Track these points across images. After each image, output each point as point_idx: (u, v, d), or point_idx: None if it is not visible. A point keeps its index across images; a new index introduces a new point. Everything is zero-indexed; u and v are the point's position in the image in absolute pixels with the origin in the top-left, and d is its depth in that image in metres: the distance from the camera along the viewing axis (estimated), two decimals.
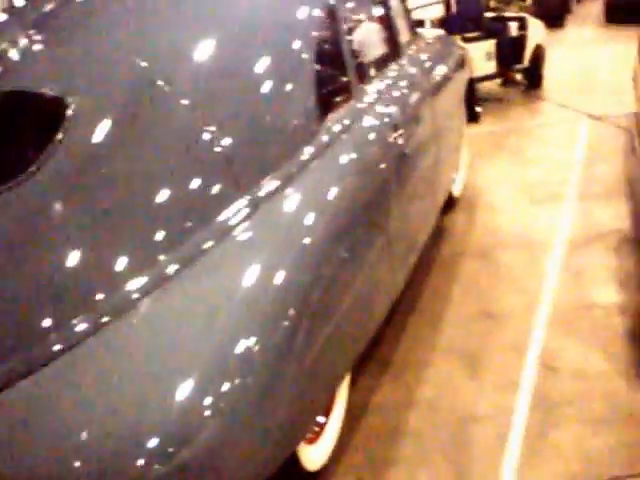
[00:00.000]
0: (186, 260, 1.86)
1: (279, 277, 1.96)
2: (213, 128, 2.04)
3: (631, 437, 2.68)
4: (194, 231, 1.92)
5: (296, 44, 2.52)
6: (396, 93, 3.30)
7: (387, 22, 3.63)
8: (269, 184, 2.16)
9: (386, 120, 2.98)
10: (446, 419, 2.88)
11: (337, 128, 2.62)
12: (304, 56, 2.51)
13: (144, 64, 2.03)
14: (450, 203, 4.79)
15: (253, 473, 1.80)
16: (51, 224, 1.80)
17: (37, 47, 2.17)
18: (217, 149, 2.03)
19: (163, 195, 1.92)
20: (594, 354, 3.20)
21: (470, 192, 5.24)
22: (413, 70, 3.70)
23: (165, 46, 2.14)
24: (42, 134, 1.89)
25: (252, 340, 1.78)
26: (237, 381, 1.71)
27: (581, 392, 2.95)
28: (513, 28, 7.94)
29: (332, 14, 2.79)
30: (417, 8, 7.19)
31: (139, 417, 1.56)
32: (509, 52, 7.68)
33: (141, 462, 1.51)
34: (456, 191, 4.96)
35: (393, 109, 3.13)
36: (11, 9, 2.47)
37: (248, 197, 2.08)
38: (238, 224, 2.01)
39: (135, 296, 1.75)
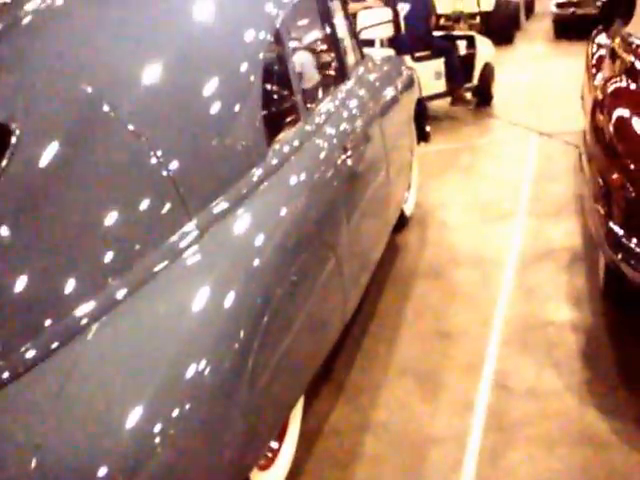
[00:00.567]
0: (135, 284, 1.83)
1: (229, 299, 1.94)
2: (160, 152, 2.01)
3: (585, 457, 2.69)
4: (143, 255, 1.89)
5: (242, 67, 2.50)
6: (345, 114, 3.29)
7: (334, 44, 3.63)
8: (218, 206, 2.14)
9: (335, 141, 2.97)
10: (402, 442, 2.86)
11: (286, 150, 2.60)
12: (251, 79, 2.49)
13: (89, 89, 1.99)
14: (402, 222, 4.79)
15: None
16: None
17: None
18: (164, 173, 2.00)
19: (110, 220, 1.89)
20: (547, 372, 3.20)
21: (422, 210, 5.26)
22: (361, 91, 3.70)
23: (111, 71, 2.10)
24: None
25: (202, 364, 1.76)
26: (187, 406, 1.68)
27: (535, 412, 2.95)
28: (462, 47, 8.03)
29: (278, 37, 2.78)
30: (366, 28, 7.21)
31: (88, 445, 1.52)
32: (458, 71, 7.75)
33: None
34: (408, 210, 4.97)
35: (342, 130, 3.12)
36: None
37: (197, 220, 2.06)
38: (188, 247, 1.99)
39: (84, 321, 1.72)
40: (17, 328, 1.66)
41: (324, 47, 3.72)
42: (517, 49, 12.78)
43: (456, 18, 9.38)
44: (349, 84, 3.60)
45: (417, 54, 7.53)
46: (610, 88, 3.77)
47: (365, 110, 3.58)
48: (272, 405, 2.17)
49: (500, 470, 2.67)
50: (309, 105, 3.03)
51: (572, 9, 13.60)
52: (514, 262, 4.37)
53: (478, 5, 9.15)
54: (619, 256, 2.92)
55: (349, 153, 3.02)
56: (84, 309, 1.72)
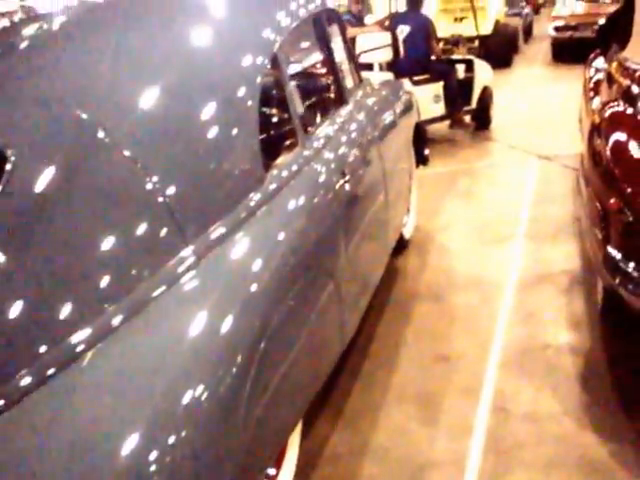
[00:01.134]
0: (131, 311, 1.82)
1: (226, 325, 1.93)
2: (156, 178, 2.01)
3: None
4: (139, 281, 1.89)
5: (240, 92, 2.51)
6: (343, 139, 3.30)
7: (333, 68, 3.66)
8: (216, 232, 2.14)
9: (333, 166, 2.98)
10: (401, 466, 2.85)
11: (284, 175, 2.61)
12: (248, 104, 2.50)
13: (84, 115, 2.00)
14: (402, 245, 4.80)
15: None
16: None
17: None
18: (160, 198, 2.00)
19: (106, 246, 1.88)
20: (546, 396, 3.20)
21: (421, 234, 5.27)
22: (360, 115, 3.72)
23: (106, 96, 2.11)
24: None
25: (199, 390, 1.74)
26: (184, 433, 1.66)
27: (533, 435, 2.95)
28: (460, 70, 8.08)
29: (276, 62, 2.79)
30: (365, 52, 7.28)
31: (83, 474, 1.50)
32: (457, 94, 7.80)
33: None
34: (407, 233, 4.98)
35: (340, 155, 3.14)
36: None
37: (194, 245, 2.05)
38: (184, 273, 1.98)
39: (80, 348, 1.70)
40: (12, 355, 1.64)
41: (322, 71, 3.75)
42: (516, 72, 12.87)
43: (455, 42, 9.43)
44: (347, 108, 3.62)
45: (416, 77, 7.57)
46: (607, 112, 3.79)
47: (364, 134, 3.60)
48: (270, 431, 2.16)
49: None
50: (307, 130, 3.04)
51: (570, 32, 13.73)
52: (513, 285, 4.37)
53: (476, 29, 9.21)
54: (617, 280, 2.92)
55: (347, 178, 3.03)
56: (80, 336, 1.71)
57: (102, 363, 1.71)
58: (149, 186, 1.99)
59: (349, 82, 3.87)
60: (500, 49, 12.95)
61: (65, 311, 1.73)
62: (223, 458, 1.81)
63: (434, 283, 4.51)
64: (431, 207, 5.82)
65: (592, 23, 12.75)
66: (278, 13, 3.07)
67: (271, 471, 2.46)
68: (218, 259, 2.09)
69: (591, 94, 5.05)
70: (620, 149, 3.30)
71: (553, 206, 5.62)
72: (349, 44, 4.12)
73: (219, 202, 2.23)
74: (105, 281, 1.83)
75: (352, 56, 4.10)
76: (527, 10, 19.46)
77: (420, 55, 7.79)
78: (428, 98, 7.53)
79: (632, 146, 3.25)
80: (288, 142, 2.86)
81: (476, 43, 10.06)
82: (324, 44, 3.62)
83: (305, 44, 3.63)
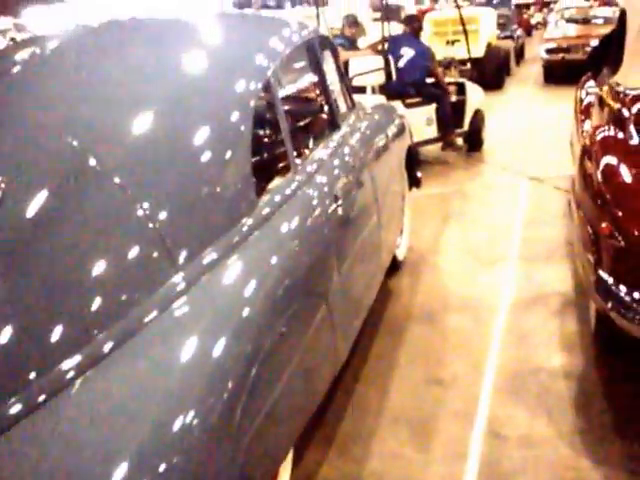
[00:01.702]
0: (122, 337, 1.82)
1: (217, 351, 1.93)
2: (146, 204, 2.01)
3: None
4: (130, 308, 1.88)
5: (232, 118, 2.52)
6: (336, 163, 3.31)
7: (325, 93, 3.67)
8: (207, 257, 2.14)
9: (326, 190, 2.99)
10: None
11: (277, 199, 2.62)
12: (241, 129, 2.50)
13: (75, 143, 2.00)
14: (395, 266, 4.81)
15: None
16: None
17: None
18: (151, 225, 2.00)
19: (96, 273, 1.88)
20: (540, 420, 3.19)
21: (414, 255, 5.27)
22: (352, 140, 3.73)
23: (97, 124, 2.11)
24: None
25: (190, 417, 1.73)
26: (175, 460, 1.65)
27: (528, 461, 2.93)
28: (452, 93, 8.13)
29: (269, 87, 2.81)
30: (358, 75, 7.32)
31: None
32: (449, 117, 7.84)
33: None
34: (400, 254, 4.99)
35: (333, 179, 3.15)
36: None
37: (185, 271, 2.05)
38: (175, 299, 1.97)
39: (70, 375, 1.69)
40: (1, 382, 1.63)
41: (315, 96, 3.77)
42: (507, 94, 12.94)
43: (447, 64, 9.50)
44: (340, 133, 3.63)
45: (408, 100, 7.61)
46: (598, 136, 3.81)
47: (356, 158, 3.61)
48: (261, 458, 2.14)
49: None
50: (300, 154, 3.05)
51: (562, 55, 13.84)
52: (506, 307, 4.37)
53: (468, 52, 9.28)
54: (609, 304, 2.93)
55: (340, 202, 3.04)
56: (70, 362, 1.70)
57: (92, 390, 1.70)
58: (140, 213, 1.99)
59: (342, 107, 3.89)
60: (492, 72, 13.04)
61: (55, 338, 1.73)
62: None
63: (427, 305, 4.51)
64: (424, 228, 5.84)
65: (584, 45, 12.91)
66: (271, 40, 3.09)
67: None
68: (209, 285, 2.09)
69: (582, 117, 5.08)
70: (611, 173, 3.32)
71: (545, 228, 5.63)
72: (342, 69, 4.14)
73: (211, 228, 2.23)
74: (96, 308, 1.83)
75: (345, 81, 4.12)
76: (519, 32, 19.62)
77: (416, 79, 7.84)
78: (420, 121, 7.56)
79: (623, 170, 3.27)
80: (281, 167, 2.87)
81: (468, 66, 10.13)
82: (317, 70, 3.64)
83: (298, 70, 3.65)
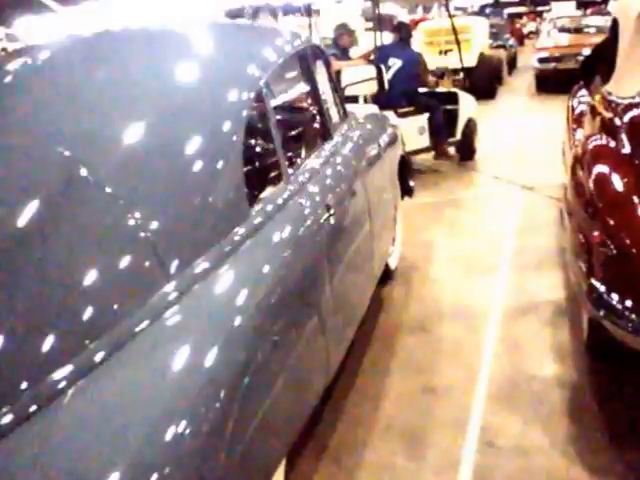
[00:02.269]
0: (114, 347, 1.81)
1: (209, 360, 1.92)
2: (138, 214, 2.01)
3: None
4: (122, 317, 1.88)
5: (225, 127, 2.52)
6: (328, 173, 3.32)
7: (318, 103, 3.68)
8: (199, 266, 2.14)
9: (318, 200, 2.99)
10: None
11: (269, 209, 2.62)
12: (233, 139, 2.51)
13: (67, 153, 2.00)
14: (387, 275, 4.81)
15: None
16: None
17: None
18: (142, 234, 2.00)
19: (88, 282, 1.88)
20: (533, 429, 3.19)
21: (407, 264, 5.27)
22: (345, 149, 3.74)
23: (89, 133, 2.11)
24: None
25: (182, 427, 1.72)
26: (167, 470, 1.64)
27: (521, 470, 2.93)
28: (445, 103, 8.15)
29: (261, 97, 2.81)
30: (351, 85, 7.33)
31: None
32: (441, 126, 7.86)
33: None
34: (392, 263, 4.99)
35: (325, 189, 3.15)
36: None
37: (177, 280, 2.05)
38: (167, 308, 1.97)
39: (61, 385, 1.69)
40: None
41: (307, 106, 3.78)
42: (500, 103, 12.99)
43: (440, 74, 9.52)
44: (332, 142, 3.64)
45: (401, 110, 7.63)
46: (590, 145, 3.83)
47: (349, 168, 3.62)
48: (253, 468, 2.13)
49: None
50: (292, 164, 3.05)
51: (554, 64, 13.90)
52: (498, 316, 4.38)
53: (461, 61, 9.31)
54: (601, 312, 2.93)
55: (332, 211, 3.04)
56: (61, 372, 1.70)
57: (84, 400, 1.69)
58: (131, 222, 1.99)
59: (334, 116, 3.90)
60: (484, 81, 13.08)
61: (47, 347, 1.72)
62: None
63: (420, 314, 4.51)
64: (416, 237, 5.84)
65: (576, 54, 12.96)
66: (263, 49, 3.10)
67: None
68: (201, 294, 2.09)
69: (574, 126, 5.10)
70: (603, 182, 3.33)
71: (537, 236, 5.65)
72: (334, 79, 4.15)
73: (203, 237, 2.23)
74: (87, 317, 1.82)
75: (337, 91, 4.12)
76: (511, 42, 19.70)
77: (408, 88, 7.86)
78: (413, 130, 7.58)
79: (615, 179, 3.28)
80: (273, 176, 2.87)
81: (461, 75, 10.16)
82: (309, 79, 3.65)
83: (290, 80, 3.66)
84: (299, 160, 3.21)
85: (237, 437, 1.96)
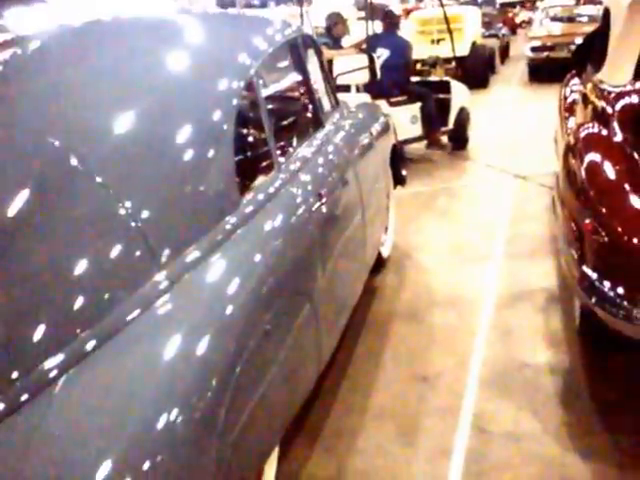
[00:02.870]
0: (105, 336, 1.81)
1: (201, 349, 1.92)
2: (129, 203, 2.00)
3: None
4: (113, 306, 1.88)
5: (215, 116, 2.52)
6: (320, 161, 3.32)
7: (309, 92, 3.68)
8: (190, 255, 2.14)
9: (309, 188, 2.99)
10: None
11: (260, 198, 2.62)
12: (224, 128, 2.50)
13: (56, 142, 1.99)
14: (379, 264, 4.81)
15: None
16: None
17: None
18: (133, 224, 1.99)
19: (78, 272, 1.87)
20: (526, 415, 3.20)
21: (399, 253, 5.28)
22: (336, 138, 3.74)
23: (78, 123, 2.10)
24: None
25: (174, 414, 1.73)
26: (158, 459, 1.64)
27: (514, 456, 2.94)
28: (438, 92, 8.15)
29: (252, 86, 2.81)
30: (343, 74, 7.32)
31: None
32: (434, 115, 7.86)
33: None
34: (385, 252, 5.00)
35: (317, 177, 3.15)
36: None
37: (169, 269, 2.04)
38: (158, 297, 1.97)
39: (52, 374, 1.69)
40: None
41: (299, 95, 3.77)
42: (492, 92, 12.98)
43: (432, 63, 9.52)
44: (324, 131, 3.63)
45: (393, 99, 7.62)
46: (582, 133, 3.83)
47: (340, 157, 3.62)
48: (245, 456, 2.13)
49: None
50: (284, 153, 3.05)
51: (546, 53, 13.90)
52: (491, 303, 4.39)
53: (453, 51, 9.30)
54: (593, 300, 2.94)
55: (324, 200, 3.04)
56: (53, 361, 1.70)
57: (75, 389, 1.69)
58: (122, 212, 1.99)
59: (326, 105, 3.90)
60: (477, 70, 13.07)
61: (38, 337, 1.72)
62: None
63: (412, 302, 4.52)
64: (409, 226, 5.85)
65: (568, 43, 12.96)
66: (254, 38, 3.09)
67: None
68: (193, 283, 2.09)
69: (566, 115, 5.10)
70: (595, 170, 3.34)
71: (530, 224, 5.66)
72: (325, 68, 4.14)
73: (194, 226, 2.23)
74: (78, 306, 1.82)
75: (329, 79, 4.12)
76: (504, 31, 19.68)
77: (398, 77, 7.85)
78: (405, 119, 7.58)
79: (606, 167, 3.29)
80: (264, 165, 2.86)
81: (453, 64, 10.15)
82: (300, 68, 3.64)
83: (281, 68, 3.65)
84: (290, 149, 3.21)
85: (229, 425, 1.96)
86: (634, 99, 3.65)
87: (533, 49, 14.21)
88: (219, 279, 2.19)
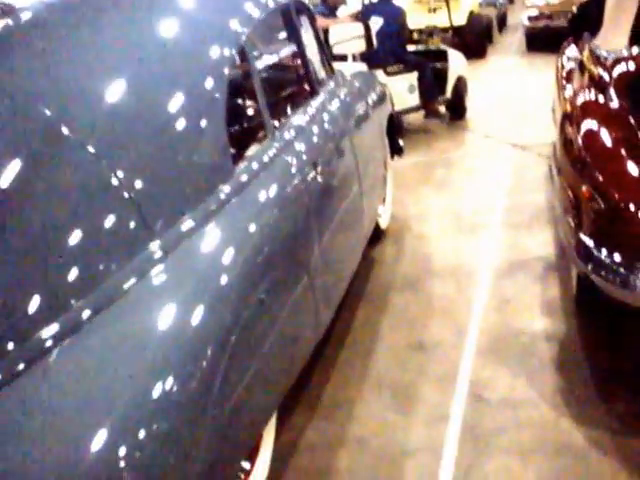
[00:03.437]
0: (99, 305, 1.82)
1: (196, 317, 1.94)
2: (121, 173, 2.00)
3: (560, 466, 2.70)
4: (107, 276, 1.88)
5: (207, 85, 2.50)
6: (314, 130, 3.30)
7: (303, 59, 3.65)
8: (184, 225, 2.14)
9: (304, 157, 2.98)
10: (377, 456, 2.86)
11: (254, 167, 2.61)
12: (216, 96, 2.48)
13: (47, 112, 1.98)
14: (377, 235, 4.81)
15: None
16: None
17: None
18: (125, 194, 1.99)
19: (72, 242, 1.87)
20: (522, 382, 3.22)
21: (397, 223, 5.27)
22: (331, 107, 3.72)
23: (69, 92, 2.09)
24: None
25: (169, 383, 1.74)
26: (154, 427, 1.66)
27: (510, 422, 2.96)
28: (435, 61, 8.09)
29: (243, 53, 2.78)
30: (339, 43, 7.26)
31: (49, 472, 1.49)
32: (431, 85, 7.80)
33: None
34: (383, 223, 4.99)
35: (311, 146, 3.13)
36: None
37: (163, 239, 2.05)
38: (153, 266, 1.97)
39: (48, 344, 1.69)
40: None
41: (292, 63, 3.74)
42: (490, 62, 12.89)
43: (429, 32, 9.42)
44: (319, 100, 3.61)
45: (390, 68, 7.57)
46: (579, 100, 3.81)
47: (335, 125, 3.60)
48: (242, 424, 2.15)
49: None
50: (277, 121, 3.03)
51: (544, 22, 13.75)
52: (489, 273, 4.39)
53: (450, 19, 9.22)
54: (590, 267, 2.94)
55: (319, 169, 3.02)
56: (48, 331, 1.70)
57: (71, 358, 1.70)
58: (114, 181, 1.98)
59: (320, 73, 3.87)
60: (474, 39, 12.95)
61: (33, 306, 1.73)
62: (194, 452, 1.80)
63: (410, 272, 4.52)
64: (407, 197, 5.83)
65: (566, 12, 12.80)
66: (245, 4, 3.06)
67: (246, 465, 2.46)
68: (187, 252, 2.09)
69: (563, 83, 5.06)
70: (591, 137, 3.32)
71: (528, 194, 5.64)
72: (319, 35, 4.10)
73: (187, 196, 2.22)
74: (72, 276, 1.83)
75: (323, 47, 4.08)
76: (501, 0, 19.49)
77: (393, 45, 7.78)
78: (402, 89, 7.53)
79: (603, 134, 3.27)
80: (257, 134, 2.85)
81: (450, 34, 10.07)
82: (293, 35, 3.61)
83: (274, 35, 3.62)
84: (284, 117, 3.19)
85: (226, 393, 1.98)
86: (630, 65, 3.63)
87: (530, 18, 14.06)
88: (213, 248, 2.20)
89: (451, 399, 3.15)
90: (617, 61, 3.72)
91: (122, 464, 1.56)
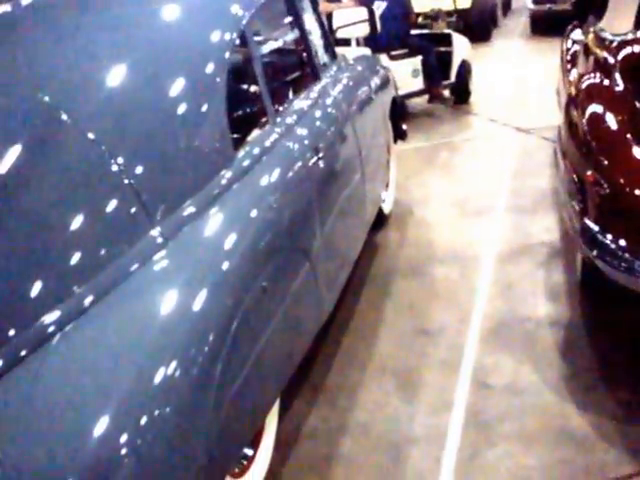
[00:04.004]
0: (101, 292, 1.82)
1: (198, 303, 1.93)
2: (121, 159, 1.99)
3: (564, 453, 2.68)
4: (108, 263, 1.88)
5: (207, 69, 2.48)
6: (317, 115, 3.27)
7: (304, 43, 3.62)
8: (185, 211, 2.13)
9: (306, 142, 2.95)
10: (380, 443, 2.85)
11: (255, 152, 2.59)
12: (216, 81, 2.46)
13: (47, 98, 1.97)
14: (381, 220, 4.79)
15: None
16: None
17: None
18: (126, 180, 1.98)
19: (73, 228, 1.87)
20: (526, 368, 3.21)
21: (401, 208, 5.25)
22: (334, 91, 3.69)
23: (69, 78, 2.08)
24: None
25: (171, 369, 1.73)
26: (156, 413, 1.65)
27: (514, 408, 2.95)
28: (439, 45, 8.04)
29: (244, 38, 2.76)
30: (342, 27, 7.21)
31: (51, 457, 1.49)
32: (435, 69, 7.76)
33: None
34: (386, 208, 4.96)
35: (313, 131, 3.11)
36: None
37: (164, 224, 2.04)
38: (154, 252, 1.97)
39: (51, 329, 1.69)
40: None
41: (294, 47, 3.71)
42: (494, 46, 12.81)
43: (434, 16, 9.36)
44: (321, 84, 3.58)
45: (393, 52, 7.53)
46: (584, 84, 3.77)
47: (338, 110, 3.57)
48: (245, 411, 2.14)
49: (479, 467, 2.66)
50: (279, 106, 3.01)
51: (548, 5, 13.64)
52: (493, 258, 4.37)
53: (455, 3, 9.15)
54: (594, 252, 2.92)
55: (321, 154, 3.00)
56: (50, 317, 1.70)
57: (73, 344, 1.70)
58: (114, 168, 1.97)
59: (322, 57, 3.83)
60: (479, 23, 12.87)
61: (35, 293, 1.73)
62: (196, 438, 1.80)
63: (414, 257, 4.50)
64: (411, 181, 5.81)
65: None
66: None
67: (248, 451, 2.45)
68: (188, 238, 2.09)
69: (568, 66, 5.03)
70: (597, 121, 3.29)
71: (532, 179, 5.61)
72: (322, 19, 4.06)
73: (187, 181, 2.21)
74: (74, 263, 1.83)
75: (325, 31, 4.04)
76: None
77: (399, 30, 7.74)
78: (406, 72, 7.49)
79: (608, 118, 3.24)
80: (259, 119, 2.83)
81: (454, 17, 10.00)
82: (295, 19, 3.57)
83: (275, 19, 3.59)
84: (286, 102, 3.17)
85: (228, 379, 1.97)
86: (635, 48, 3.59)
87: (535, 1, 13.94)
88: (215, 234, 2.19)
89: (455, 385, 3.14)
90: (622, 44, 3.68)
91: (124, 451, 1.55)
